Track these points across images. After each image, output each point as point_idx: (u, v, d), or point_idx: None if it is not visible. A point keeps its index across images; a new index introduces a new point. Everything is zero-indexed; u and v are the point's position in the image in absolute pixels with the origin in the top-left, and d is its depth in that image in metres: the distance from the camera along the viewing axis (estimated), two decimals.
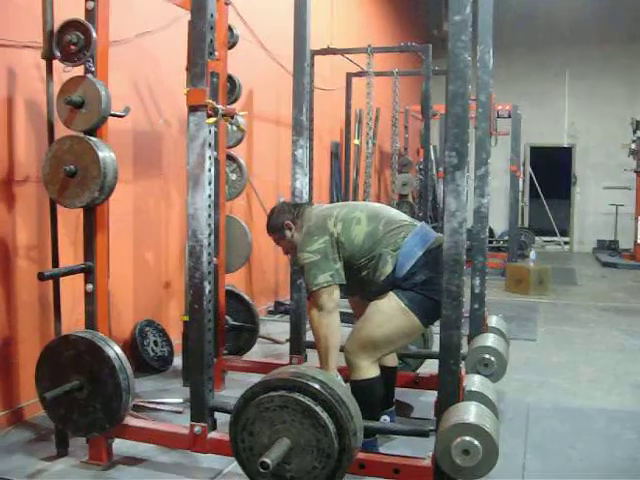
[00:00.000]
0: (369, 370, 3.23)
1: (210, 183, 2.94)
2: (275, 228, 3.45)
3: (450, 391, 2.61)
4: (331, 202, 6.99)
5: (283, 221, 3.41)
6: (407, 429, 3.15)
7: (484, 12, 4.08)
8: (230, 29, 4.43)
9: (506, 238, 11.19)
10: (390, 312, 3.18)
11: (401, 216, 3.39)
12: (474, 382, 3.26)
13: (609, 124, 13.52)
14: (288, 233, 3.40)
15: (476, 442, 2.47)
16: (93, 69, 3.09)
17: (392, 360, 3.66)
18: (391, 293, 3.19)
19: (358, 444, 2.62)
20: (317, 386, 2.55)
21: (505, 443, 2.96)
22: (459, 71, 2.49)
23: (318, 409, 2.51)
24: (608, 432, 3.81)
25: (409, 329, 3.22)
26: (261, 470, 2.41)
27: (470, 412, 2.56)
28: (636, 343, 5.89)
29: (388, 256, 3.19)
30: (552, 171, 13.86)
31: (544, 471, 3.29)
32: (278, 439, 2.54)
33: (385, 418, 3.54)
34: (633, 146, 11.29)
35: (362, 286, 3.32)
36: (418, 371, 4.17)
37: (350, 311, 3.73)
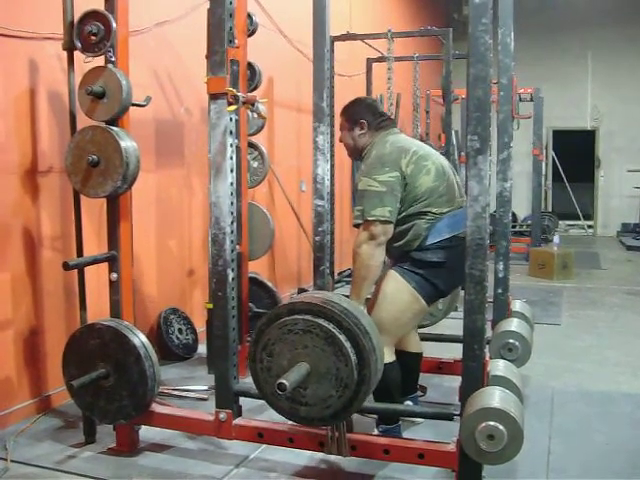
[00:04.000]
0: (384, 356, 3.21)
1: (232, 171, 2.94)
2: (351, 117, 3.35)
3: (474, 376, 2.60)
4: (353, 187, 6.93)
5: (362, 117, 3.32)
6: (431, 412, 3.14)
7: None
8: (249, 16, 4.42)
9: (529, 222, 11.11)
10: (397, 295, 3.17)
11: (458, 186, 3.32)
12: (498, 367, 3.24)
13: (632, 107, 13.34)
14: (357, 130, 3.33)
15: (501, 427, 2.45)
16: (113, 59, 3.10)
17: (416, 346, 3.65)
18: (396, 275, 3.18)
19: (378, 377, 2.61)
20: (344, 314, 2.52)
21: (530, 427, 2.95)
22: (480, 54, 2.47)
23: (342, 337, 2.48)
24: (634, 416, 3.79)
25: (418, 310, 3.22)
26: (278, 392, 2.39)
27: (494, 397, 2.55)
28: None
29: (422, 230, 3.13)
30: (575, 154, 13.68)
31: (569, 455, 3.28)
32: (298, 363, 2.51)
33: (408, 403, 3.54)
34: None
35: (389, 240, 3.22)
36: (441, 357, 4.16)
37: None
